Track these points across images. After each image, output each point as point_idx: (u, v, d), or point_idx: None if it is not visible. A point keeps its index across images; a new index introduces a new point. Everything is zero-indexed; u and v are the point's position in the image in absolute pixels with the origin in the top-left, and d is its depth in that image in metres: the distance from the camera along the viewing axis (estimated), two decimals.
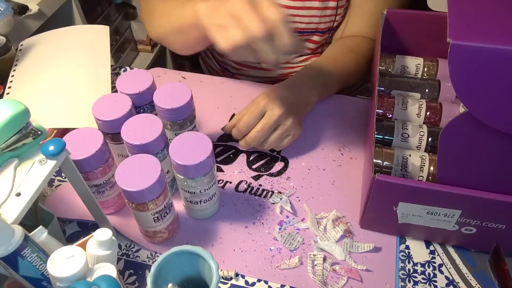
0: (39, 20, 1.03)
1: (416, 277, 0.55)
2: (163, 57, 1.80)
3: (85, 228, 0.60)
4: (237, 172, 0.66)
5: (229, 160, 0.67)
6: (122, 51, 1.68)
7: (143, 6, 0.75)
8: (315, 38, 0.81)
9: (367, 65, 0.76)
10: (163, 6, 0.68)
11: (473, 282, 0.54)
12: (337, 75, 0.72)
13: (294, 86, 0.67)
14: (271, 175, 0.65)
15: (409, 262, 0.56)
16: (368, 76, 0.75)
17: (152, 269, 0.41)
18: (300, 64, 0.86)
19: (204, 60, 1.01)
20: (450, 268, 0.55)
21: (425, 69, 0.67)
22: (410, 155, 0.55)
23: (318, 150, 0.68)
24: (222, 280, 0.54)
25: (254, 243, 0.58)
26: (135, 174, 0.48)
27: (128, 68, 0.83)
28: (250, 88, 0.78)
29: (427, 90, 0.64)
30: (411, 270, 0.55)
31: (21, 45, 0.78)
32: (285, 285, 0.54)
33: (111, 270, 0.42)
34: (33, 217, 0.52)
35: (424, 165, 0.54)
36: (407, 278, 0.54)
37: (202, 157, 0.50)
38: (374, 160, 0.54)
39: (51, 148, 0.42)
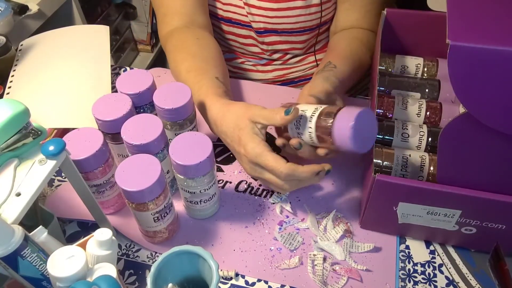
0: (39, 20, 1.03)
1: (416, 277, 0.55)
2: (163, 57, 1.79)
3: (85, 228, 0.60)
4: (237, 172, 0.66)
5: (229, 160, 0.67)
6: (122, 51, 1.68)
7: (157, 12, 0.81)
8: (304, 37, 0.81)
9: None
10: (174, 58, 0.73)
11: (473, 282, 0.54)
12: (354, 77, 0.70)
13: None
14: None
15: (409, 262, 0.56)
16: (368, 75, 0.75)
17: (152, 269, 0.41)
18: (295, 65, 0.86)
19: None
20: (450, 268, 0.55)
21: (425, 69, 0.67)
22: (410, 155, 0.55)
23: None
24: (222, 280, 0.54)
25: (254, 243, 0.58)
26: (135, 174, 0.48)
27: (128, 68, 0.83)
28: (249, 88, 0.78)
29: (427, 90, 0.64)
30: (411, 270, 0.55)
31: (21, 45, 0.78)
32: (285, 285, 0.54)
33: (111, 270, 0.42)
34: (33, 217, 0.52)
35: (424, 165, 0.54)
36: (407, 278, 0.54)
37: (202, 157, 0.50)
38: (374, 160, 0.54)
39: (51, 148, 0.42)
